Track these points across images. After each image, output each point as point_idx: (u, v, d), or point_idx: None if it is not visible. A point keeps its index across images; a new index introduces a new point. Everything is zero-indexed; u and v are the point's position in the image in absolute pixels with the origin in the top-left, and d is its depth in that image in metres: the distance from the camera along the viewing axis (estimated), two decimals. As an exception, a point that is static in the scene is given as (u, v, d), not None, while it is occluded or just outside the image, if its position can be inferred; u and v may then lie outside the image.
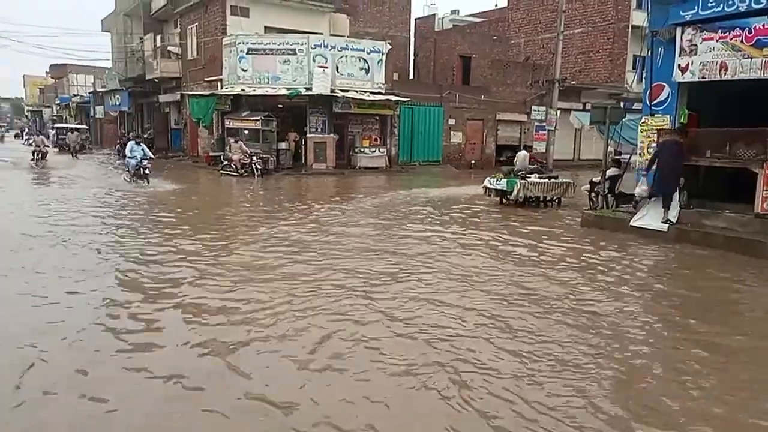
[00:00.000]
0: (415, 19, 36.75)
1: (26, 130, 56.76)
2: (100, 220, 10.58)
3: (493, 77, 27.76)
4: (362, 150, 23.94)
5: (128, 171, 16.60)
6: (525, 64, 29.76)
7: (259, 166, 19.81)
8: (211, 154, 24.00)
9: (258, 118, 21.79)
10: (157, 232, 9.54)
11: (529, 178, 13.70)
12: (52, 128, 51.33)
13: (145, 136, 33.22)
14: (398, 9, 32.51)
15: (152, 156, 17.10)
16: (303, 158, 23.07)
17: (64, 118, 54.48)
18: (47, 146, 24.64)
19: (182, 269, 7.08)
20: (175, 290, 6.23)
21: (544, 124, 25.03)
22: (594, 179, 13.00)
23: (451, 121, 26.81)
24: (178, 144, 30.90)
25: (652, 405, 3.90)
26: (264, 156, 20.92)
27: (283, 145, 22.67)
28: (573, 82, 28.25)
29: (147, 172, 16.28)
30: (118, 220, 10.70)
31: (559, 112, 24.17)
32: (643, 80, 11.05)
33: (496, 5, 41.44)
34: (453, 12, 43.61)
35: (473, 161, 27.20)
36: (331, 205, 13.53)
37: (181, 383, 4.04)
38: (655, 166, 9.90)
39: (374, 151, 24.08)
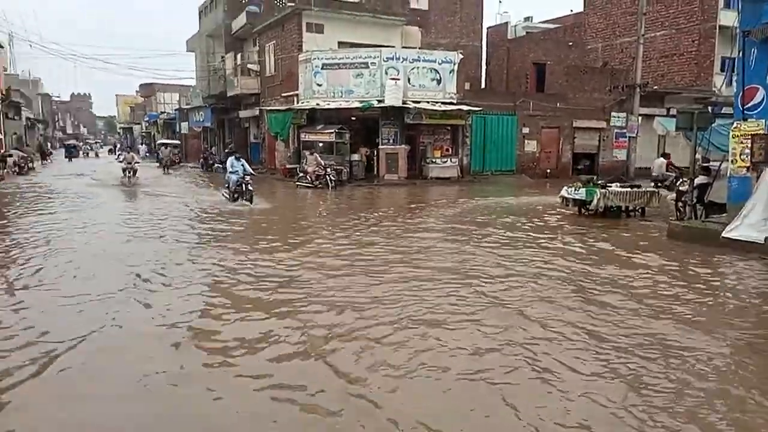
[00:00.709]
0: (487, 28, 36.50)
1: (118, 145, 60.85)
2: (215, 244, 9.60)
3: (569, 84, 27.02)
4: (434, 160, 23.92)
5: (228, 188, 15.37)
6: (603, 70, 28.80)
7: (333, 178, 20.22)
8: (287, 166, 24.75)
9: (332, 130, 22.31)
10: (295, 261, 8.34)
11: (610, 187, 13.19)
12: (142, 143, 54.60)
13: (226, 150, 34.82)
14: (470, 19, 32.39)
15: (252, 172, 15.69)
16: (375, 169, 23.36)
17: (152, 134, 57.98)
18: (138, 162, 24.01)
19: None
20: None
21: (625, 131, 24.14)
22: (681, 188, 12.36)
23: (525, 130, 26.30)
24: (257, 157, 32.05)
25: None
26: (337, 168, 21.35)
27: (355, 157, 23.07)
28: (655, 87, 27.02)
29: (250, 188, 14.89)
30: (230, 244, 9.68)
31: (640, 118, 23.26)
32: (734, 83, 10.43)
33: (571, 11, 40.40)
34: (526, 19, 42.92)
35: (548, 170, 26.52)
36: (410, 214, 13.66)
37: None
38: None
39: (446, 161, 24.00)
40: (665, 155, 17.27)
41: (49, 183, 22.42)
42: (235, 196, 14.99)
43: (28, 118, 49.13)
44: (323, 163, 20.59)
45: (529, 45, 31.76)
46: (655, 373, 4.46)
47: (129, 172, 22.53)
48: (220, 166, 30.63)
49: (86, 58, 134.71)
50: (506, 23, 39.26)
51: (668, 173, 15.62)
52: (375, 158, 23.48)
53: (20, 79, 48.20)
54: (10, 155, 27.47)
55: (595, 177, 15.09)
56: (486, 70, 34.43)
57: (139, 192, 19.56)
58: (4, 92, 28.11)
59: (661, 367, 4.56)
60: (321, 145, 22.76)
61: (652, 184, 15.93)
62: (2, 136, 26.49)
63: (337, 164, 21.56)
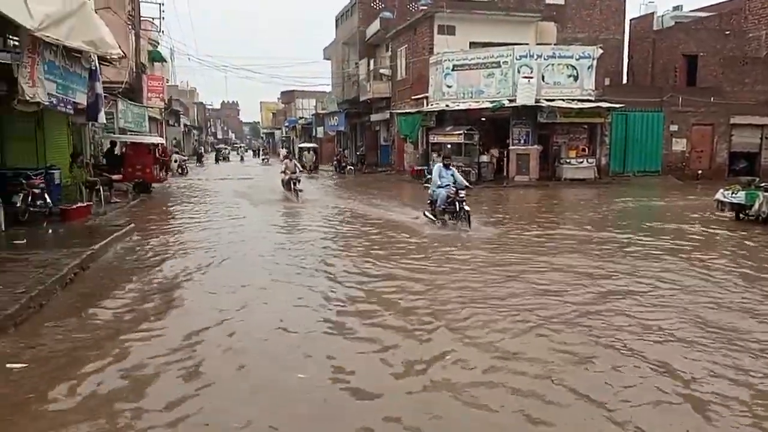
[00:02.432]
0: (630, 20, 34.08)
1: (261, 149, 65.32)
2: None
3: (726, 76, 24.41)
4: (568, 161, 22.83)
5: (433, 205, 11.36)
6: (767, 60, 25.68)
7: (460, 180, 20.00)
8: (416, 167, 24.99)
9: (460, 132, 22.14)
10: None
11: (775, 189, 11.65)
12: (282, 147, 58.12)
13: (358, 152, 35.94)
14: (610, 11, 30.48)
15: (467, 184, 11.72)
16: (505, 171, 22.80)
17: (291, 138, 61.58)
18: (302, 171, 18.79)
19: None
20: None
21: (794, 126, 21.39)
22: None
23: (673, 127, 24.17)
24: (386, 159, 32.78)
25: None
26: (465, 169, 21.11)
27: (484, 158, 22.68)
28: (834, 77, 23.57)
29: (466, 207, 10.86)
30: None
31: (815, 112, 20.43)
32: None
33: (729, -5, 36.46)
34: (675, 8, 39.44)
35: (700, 171, 24.13)
36: (544, 219, 13.11)
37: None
38: None
39: (581, 162, 22.80)
40: None
41: (209, 190, 21.06)
42: (445, 218, 11.19)
43: (185, 125, 54.57)
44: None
45: (679, 35, 29.20)
46: None
47: (294, 183, 16.82)
48: (353, 168, 31.72)
49: (235, 68, 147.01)
50: (652, 13, 36.29)
51: None
52: (505, 159, 22.92)
53: (179, 90, 53.53)
54: (176, 160, 30.98)
55: (756, 179, 13.42)
56: (628, 64, 32.21)
57: (315, 211, 14.64)
58: (166, 102, 31.47)
59: None
60: (449, 146, 22.64)
61: None
62: (165, 141, 29.63)
63: (465, 165, 21.34)
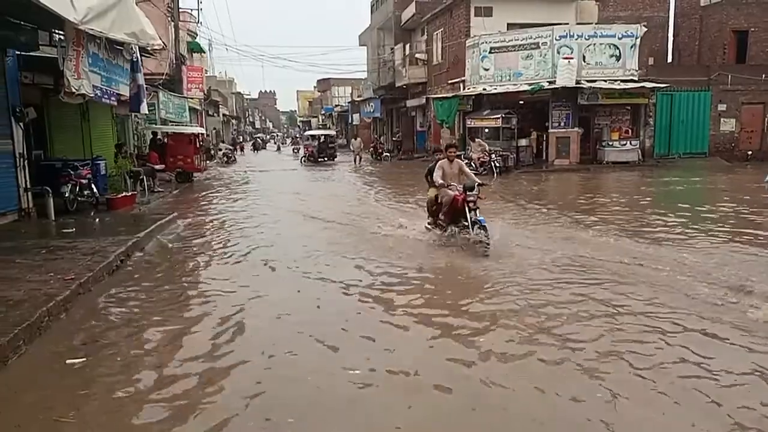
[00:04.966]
0: (676, -5, 32.78)
1: (297, 137, 65.78)
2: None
3: (779, 52, 23.31)
4: (610, 143, 22.22)
5: None
6: (825, 33, 24.38)
7: (497, 164, 19.74)
8: (453, 153, 24.70)
9: (498, 116, 21.79)
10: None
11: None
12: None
13: (394, 138, 35.77)
14: (655, -13, 29.37)
15: None
16: (544, 154, 22.36)
17: (327, 125, 61.90)
18: (484, 184, 8.20)
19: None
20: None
21: None
22: None
23: (722, 107, 23.25)
24: (422, 145, 32.57)
25: None
26: (503, 153, 20.82)
27: (523, 142, 22.28)
28: None
29: None
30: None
31: None
32: None
33: (783, -34, 34.60)
34: (724, -18, 37.74)
35: (749, 152, 23.18)
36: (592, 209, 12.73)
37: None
38: None
39: (624, 144, 22.16)
40: None
41: (249, 184, 19.15)
42: None
43: (224, 115, 55.26)
44: (488, 149, 20.21)
45: (728, 11, 27.92)
46: None
47: (470, 208, 7.56)
48: (389, 155, 31.50)
49: (272, 57, 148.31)
50: (699, -12, 34.88)
51: None
52: (544, 143, 22.47)
53: (218, 80, 54.10)
54: (220, 149, 31.98)
55: None
56: (674, 42, 31.05)
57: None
58: (205, 93, 32.01)
59: None
60: (487, 130, 22.38)
61: None
62: (205, 131, 30.25)
63: (503, 150, 21.03)
